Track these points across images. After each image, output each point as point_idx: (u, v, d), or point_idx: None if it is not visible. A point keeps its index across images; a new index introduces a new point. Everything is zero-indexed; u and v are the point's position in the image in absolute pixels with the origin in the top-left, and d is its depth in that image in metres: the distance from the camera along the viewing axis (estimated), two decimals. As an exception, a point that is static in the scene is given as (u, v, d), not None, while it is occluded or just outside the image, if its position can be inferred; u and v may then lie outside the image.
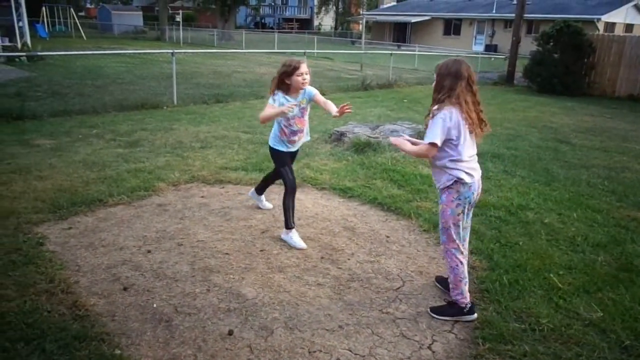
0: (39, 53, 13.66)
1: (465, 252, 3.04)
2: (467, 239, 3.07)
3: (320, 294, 3.25)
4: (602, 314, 3.07)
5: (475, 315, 3.02)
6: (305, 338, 2.79)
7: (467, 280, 3.02)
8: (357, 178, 5.61)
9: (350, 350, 2.70)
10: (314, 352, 2.67)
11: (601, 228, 4.51)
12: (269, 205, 4.67)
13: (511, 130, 9.23)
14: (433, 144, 2.78)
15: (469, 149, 2.88)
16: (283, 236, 3.98)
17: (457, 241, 2.97)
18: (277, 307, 3.07)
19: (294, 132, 3.91)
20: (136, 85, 12.30)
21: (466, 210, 2.95)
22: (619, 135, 9.41)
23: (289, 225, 3.93)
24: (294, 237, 3.92)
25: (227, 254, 3.74)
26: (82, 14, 45.66)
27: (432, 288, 3.39)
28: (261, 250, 3.81)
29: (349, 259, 3.75)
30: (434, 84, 2.90)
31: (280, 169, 3.98)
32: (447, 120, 2.77)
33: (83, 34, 30.69)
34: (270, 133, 4.02)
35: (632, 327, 2.95)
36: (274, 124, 3.96)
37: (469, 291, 3.05)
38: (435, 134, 2.77)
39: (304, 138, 4.04)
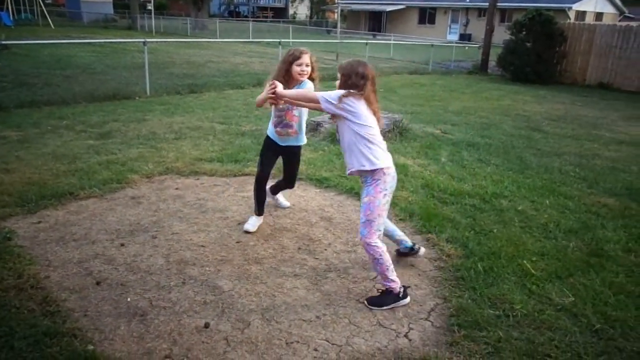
0: (4, 42, 13.10)
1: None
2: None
3: (297, 284, 3.24)
4: (573, 299, 3.14)
5: (409, 298, 3.07)
6: (283, 329, 2.77)
7: (392, 265, 3.02)
8: (334, 168, 5.60)
9: (328, 340, 2.70)
10: (291, 343, 2.67)
11: (573, 214, 4.60)
12: (286, 203, 4.53)
13: (485, 119, 9.34)
14: (324, 99, 2.90)
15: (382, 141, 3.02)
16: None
17: (379, 231, 2.99)
18: (254, 298, 3.05)
19: (283, 125, 3.79)
20: (107, 75, 12.01)
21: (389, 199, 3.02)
22: (590, 122, 9.62)
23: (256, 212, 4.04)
24: (250, 220, 4.00)
25: (202, 246, 3.69)
26: (49, 1, 44.23)
27: (409, 277, 3.41)
28: (237, 242, 3.78)
29: (326, 250, 3.75)
30: (337, 82, 3.02)
31: (259, 155, 3.96)
32: (349, 101, 2.88)
33: (50, 22, 29.76)
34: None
35: (602, 311, 3.03)
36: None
37: (447, 278, 3.08)
38: (330, 95, 2.90)
39: (295, 136, 3.84)
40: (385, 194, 2.97)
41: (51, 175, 4.90)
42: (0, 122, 6.95)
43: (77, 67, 13.04)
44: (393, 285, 3.02)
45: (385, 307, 3.01)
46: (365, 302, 3.07)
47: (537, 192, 5.16)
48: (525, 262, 3.58)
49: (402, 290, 3.04)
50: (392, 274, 3.02)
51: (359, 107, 2.92)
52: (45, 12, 30.66)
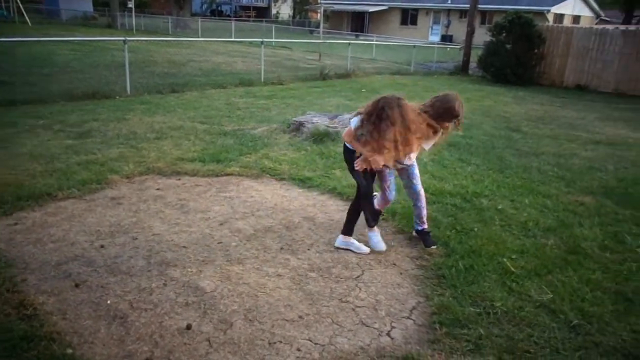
0: (-21, 39, 12.88)
1: None
2: None
3: (280, 284, 3.24)
4: (552, 296, 3.19)
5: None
6: (265, 329, 2.77)
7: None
8: (316, 168, 5.60)
9: (311, 340, 2.70)
10: (274, 343, 2.66)
11: (551, 213, 4.68)
12: (366, 248, 3.79)
13: (466, 119, 9.36)
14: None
15: None
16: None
17: None
18: (237, 299, 3.04)
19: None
20: (86, 73, 11.82)
21: None
22: (568, 123, 9.80)
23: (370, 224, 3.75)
24: (376, 238, 3.75)
25: (184, 247, 3.66)
26: (27, -2, 43.30)
27: (390, 276, 3.43)
28: (219, 243, 3.76)
29: (308, 249, 3.75)
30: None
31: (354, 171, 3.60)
32: None
33: (27, 20, 29.13)
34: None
35: (579, 307, 3.09)
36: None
37: (428, 277, 3.11)
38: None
39: None
40: None
41: (28, 176, 4.81)
42: (-25, 122, 6.80)
43: (55, 66, 12.82)
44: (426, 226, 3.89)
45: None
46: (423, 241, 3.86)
47: (517, 191, 5.23)
48: (505, 260, 3.63)
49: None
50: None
51: None
52: (22, 9, 30.00)
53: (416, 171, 3.80)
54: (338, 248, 3.76)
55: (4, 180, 4.65)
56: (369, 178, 3.61)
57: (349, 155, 3.59)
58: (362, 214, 3.74)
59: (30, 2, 39.05)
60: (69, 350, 2.48)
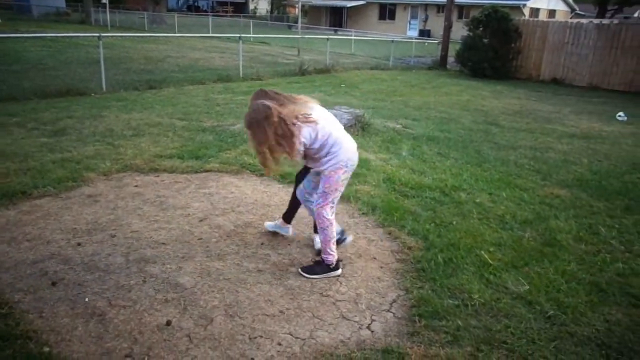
0: (-52, 35, 12.52)
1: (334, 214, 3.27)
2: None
3: (261, 280, 3.23)
4: (528, 287, 3.26)
5: (340, 270, 3.32)
6: (246, 324, 2.76)
7: (334, 238, 3.28)
8: (296, 163, 5.58)
9: (291, 334, 2.70)
10: (255, 337, 2.66)
11: (527, 206, 4.77)
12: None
13: (444, 113, 9.53)
14: None
15: None
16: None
17: (333, 205, 3.21)
18: (217, 295, 3.03)
19: None
20: (60, 70, 11.57)
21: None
22: (544, 117, 9.97)
23: None
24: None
25: (163, 243, 3.62)
26: (-4, -8, 42.19)
27: (371, 269, 3.46)
28: (199, 239, 3.73)
29: (289, 245, 3.75)
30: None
31: None
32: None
33: (-2, 15, 28.40)
34: None
35: (555, 298, 3.16)
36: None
37: (408, 270, 3.15)
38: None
39: None
40: (345, 171, 3.14)
41: (1, 175, 4.70)
42: (-56, 119, 6.61)
43: (27, 62, 12.52)
44: (330, 258, 3.27)
45: (316, 276, 3.25)
46: (300, 270, 3.30)
47: (495, 185, 5.31)
48: (483, 252, 3.69)
49: (335, 263, 3.29)
50: (333, 247, 3.27)
51: None
52: (-8, 4, 29.22)
53: (320, 185, 3.23)
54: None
55: (-25, 178, 4.54)
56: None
57: None
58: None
59: (0, -4, 38.06)
60: (46, 349, 2.44)
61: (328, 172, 3.11)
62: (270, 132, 2.89)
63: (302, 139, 2.97)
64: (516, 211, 4.59)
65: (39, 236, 3.61)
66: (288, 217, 3.83)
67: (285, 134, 2.91)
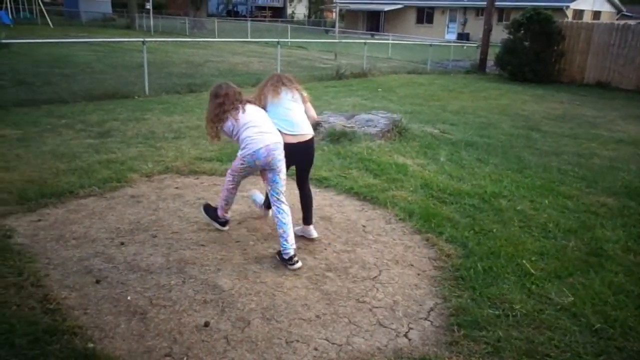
0: (3, 41, 13.14)
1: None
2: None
3: (297, 284, 3.24)
4: (573, 299, 3.14)
5: (227, 227, 3.93)
6: (283, 328, 2.78)
7: (228, 206, 3.85)
8: (333, 168, 5.60)
9: (328, 340, 2.70)
10: (291, 342, 2.67)
11: (572, 214, 4.61)
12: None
13: (484, 118, 9.35)
14: None
15: None
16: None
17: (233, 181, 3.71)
18: (254, 297, 3.05)
19: None
20: (106, 74, 11.99)
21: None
22: (588, 122, 9.64)
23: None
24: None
25: (202, 245, 3.69)
26: (48, 0, 44.16)
27: (408, 277, 3.42)
28: (237, 242, 3.78)
29: (325, 249, 3.75)
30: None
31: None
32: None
33: (49, 21, 29.67)
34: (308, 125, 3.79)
35: (601, 310, 3.04)
36: (306, 117, 3.81)
37: (446, 278, 3.09)
38: None
39: None
40: (243, 163, 3.56)
41: (51, 174, 4.90)
42: (-1, 121, 6.94)
43: (76, 66, 13.02)
44: (220, 212, 3.86)
45: (204, 217, 3.93)
46: (202, 206, 3.99)
47: (536, 192, 5.17)
48: (524, 261, 3.59)
49: (221, 220, 3.90)
50: (226, 207, 3.85)
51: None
52: (44, 11, 30.57)
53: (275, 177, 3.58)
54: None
55: (28, 177, 4.75)
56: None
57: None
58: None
59: (51, 4, 39.81)
60: (90, 345, 2.52)
61: (237, 158, 3.62)
62: (211, 109, 3.66)
63: (224, 129, 3.59)
64: (559, 219, 4.45)
65: (84, 235, 3.74)
66: (305, 219, 3.93)
67: (215, 118, 3.60)
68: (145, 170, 5.19)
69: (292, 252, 3.43)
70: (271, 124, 3.59)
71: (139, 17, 33.79)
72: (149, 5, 33.85)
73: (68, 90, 9.42)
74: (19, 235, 3.65)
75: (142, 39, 10.81)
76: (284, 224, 3.48)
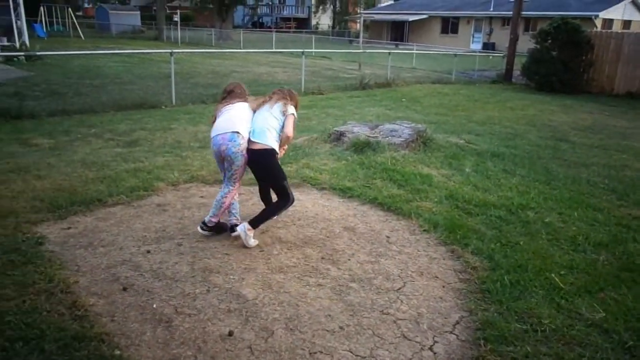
0: (37, 53, 13.63)
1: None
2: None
3: (321, 294, 3.24)
4: (604, 314, 3.05)
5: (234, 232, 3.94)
6: (306, 339, 2.77)
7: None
8: (357, 178, 5.59)
9: (351, 352, 2.68)
10: (315, 353, 2.66)
11: (602, 227, 4.50)
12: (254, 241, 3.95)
13: (510, 128, 9.22)
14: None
15: None
16: (242, 231, 3.86)
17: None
18: (278, 307, 3.06)
19: None
20: (134, 84, 12.27)
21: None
22: (618, 133, 9.42)
23: (256, 226, 3.91)
24: (252, 239, 3.87)
25: (226, 254, 3.72)
26: (80, 13, 45.49)
27: (433, 289, 3.37)
28: (261, 251, 3.80)
29: (349, 260, 3.74)
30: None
31: (285, 182, 3.93)
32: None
33: (81, 34, 30.61)
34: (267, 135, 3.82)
35: (634, 327, 2.94)
36: (271, 128, 3.85)
37: (472, 291, 3.05)
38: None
39: None
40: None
41: (80, 182, 5.02)
42: (33, 130, 7.16)
43: (106, 77, 13.36)
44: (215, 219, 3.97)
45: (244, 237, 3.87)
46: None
47: (565, 204, 5.06)
48: (553, 275, 3.51)
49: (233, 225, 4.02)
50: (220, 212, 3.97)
51: None
52: (76, 24, 31.55)
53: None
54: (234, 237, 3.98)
55: (59, 186, 4.87)
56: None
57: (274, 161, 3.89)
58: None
59: (83, 17, 41.00)
60: (117, 352, 2.56)
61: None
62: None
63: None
64: (589, 232, 4.34)
65: (112, 242, 3.81)
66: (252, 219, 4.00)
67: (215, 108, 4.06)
68: (171, 179, 5.27)
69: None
70: (242, 122, 3.83)
71: (167, 29, 34.59)
72: (176, 18, 34.62)
73: (98, 100, 9.67)
74: (50, 242, 3.74)
75: (169, 50, 11.05)
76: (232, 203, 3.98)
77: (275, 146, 3.86)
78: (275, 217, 4.26)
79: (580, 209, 4.94)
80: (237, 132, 3.75)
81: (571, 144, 8.17)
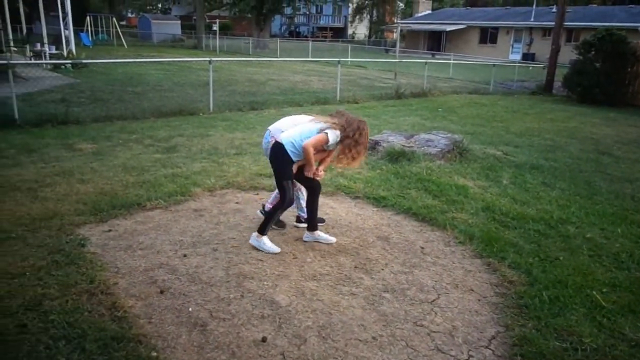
0: (83, 61, 14.17)
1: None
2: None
3: (354, 303, 3.23)
4: (649, 335, 2.93)
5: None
6: (339, 348, 2.76)
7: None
8: (391, 187, 5.56)
9: (384, 363, 2.66)
10: (348, 362, 2.65)
11: (647, 244, 4.32)
12: (332, 238, 4.16)
13: (550, 141, 9.00)
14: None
15: None
16: (254, 241, 3.94)
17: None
18: (311, 315, 3.06)
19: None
20: (174, 92, 12.59)
21: None
22: (666, 147, 9.04)
23: (264, 231, 3.93)
24: (267, 243, 3.92)
25: (261, 260, 3.75)
26: (124, 23, 47.23)
27: (468, 302, 3.31)
28: (294, 258, 3.82)
29: (382, 269, 3.71)
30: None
31: (285, 182, 3.84)
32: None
33: (124, 42, 31.71)
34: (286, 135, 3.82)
35: (682, 350, 2.81)
36: (293, 131, 3.83)
37: (509, 306, 2.98)
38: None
39: None
40: None
41: (121, 186, 5.17)
42: (77, 135, 7.44)
43: (147, 84, 13.76)
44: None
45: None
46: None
47: (608, 220, 4.89)
48: (595, 293, 3.39)
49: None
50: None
51: None
52: (120, 33, 32.70)
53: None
54: (305, 242, 4.11)
55: (101, 190, 5.04)
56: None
57: (289, 164, 3.82)
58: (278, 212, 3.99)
59: (126, 26, 42.44)
60: (154, 354, 2.61)
61: None
62: None
63: None
64: (634, 250, 4.18)
65: (150, 246, 3.91)
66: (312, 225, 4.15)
67: None
68: (208, 185, 5.37)
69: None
70: (281, 122, 4.12)
71: (206, 37, 35.42)
72: (215, 27, 35.39)
73: (139, 107, 9.96)
74: (92, 244, 3.87)
75: (208, 59, 11.30)
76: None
77: (288, 145, 3.73)
78: (279, 218, 4.22)
79: (624, 225, 4.76)
80: (269, 130, 4.09)
81: (614, 157, 7.90)
